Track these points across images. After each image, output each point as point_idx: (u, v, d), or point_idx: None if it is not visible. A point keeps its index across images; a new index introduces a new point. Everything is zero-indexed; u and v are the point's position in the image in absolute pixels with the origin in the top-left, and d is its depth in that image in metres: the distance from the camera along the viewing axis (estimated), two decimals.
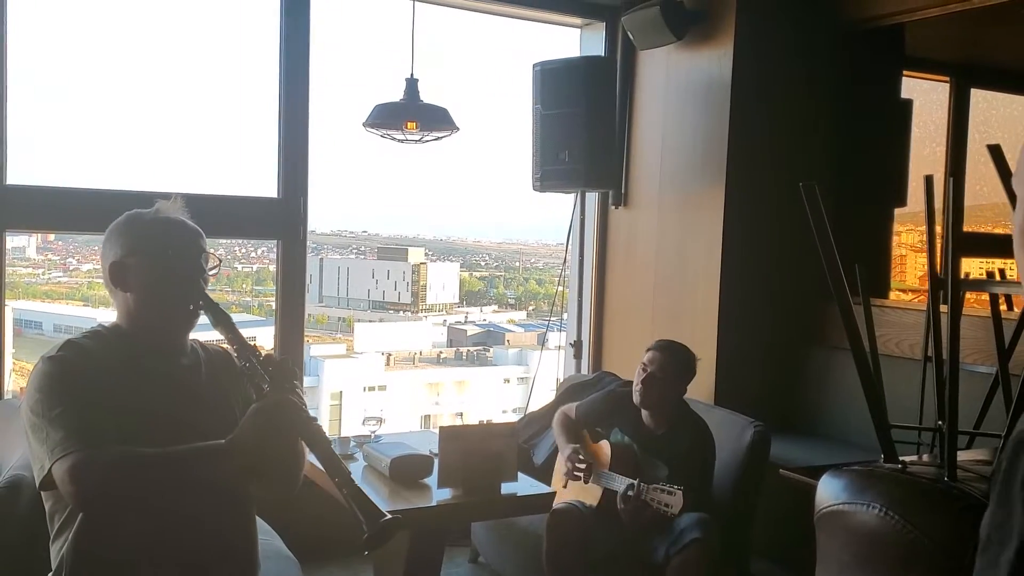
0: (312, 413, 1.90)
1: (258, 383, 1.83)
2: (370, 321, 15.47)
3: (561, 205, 4.56)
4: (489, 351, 15.03)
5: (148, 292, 1.88)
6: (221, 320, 1.88)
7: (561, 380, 4.38)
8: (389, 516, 1.74)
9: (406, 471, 2.98)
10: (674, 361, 3.12)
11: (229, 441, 1.76)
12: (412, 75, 3.41)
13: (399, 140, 3.36)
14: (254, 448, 1.77)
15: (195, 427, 1.82)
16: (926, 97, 4.43)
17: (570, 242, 4.51)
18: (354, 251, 16.36)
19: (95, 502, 1.69)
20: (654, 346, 3.19)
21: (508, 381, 13.77)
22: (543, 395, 4.41)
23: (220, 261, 1.97)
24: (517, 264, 17.29)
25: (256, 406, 1.80)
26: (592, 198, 4.46)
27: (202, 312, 1.91)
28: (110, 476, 1.67)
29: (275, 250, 3.78)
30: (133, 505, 1.72)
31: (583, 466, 3.11)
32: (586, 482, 3.12)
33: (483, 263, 17.34)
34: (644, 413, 3.16)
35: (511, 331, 15.36)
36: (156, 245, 1.88)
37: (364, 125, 3.36)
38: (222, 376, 1.97)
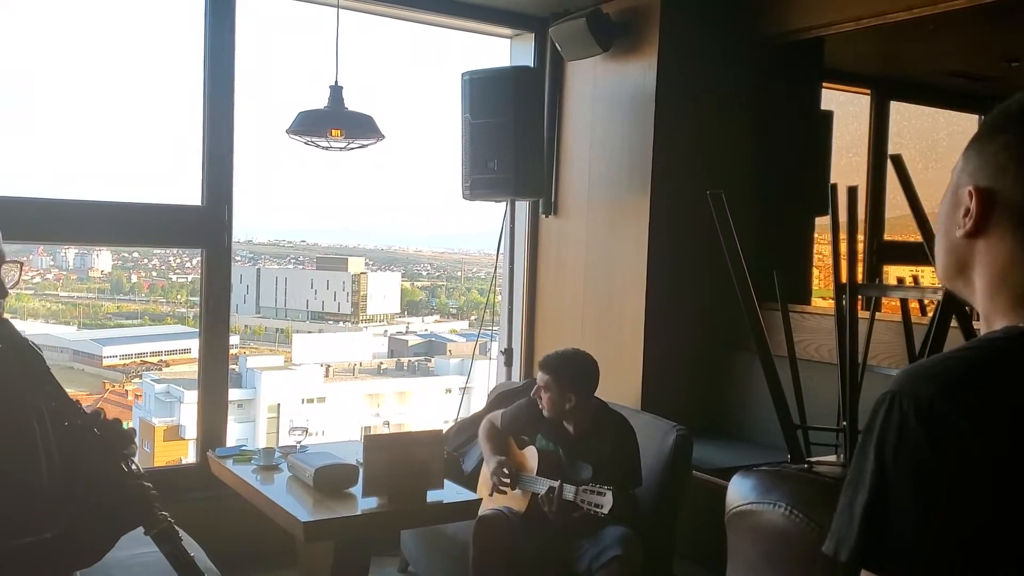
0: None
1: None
2: (309, 332, 15.29)
3: (500, 215, 4.58)
4: (431, 361, 14.98)
5: None
6: (42, 376, 1.44)
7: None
8: None
9: (331, 481, 2.97)
10: (561, 378, 3.11)
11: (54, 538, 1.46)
12: (336, 82, 3.40)
13: (323, 147, 3.33)
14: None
15: None
16: (845, 109, 4.56)
17: (501, 251, 4.53)
18: (292, 261, 16.17)
19: None
20: (541, 365, 3.18)
21: (450, 391, 13.73)
22: (479, 403, 4.41)
23: (22, 264, 1.54)
24: (459, 274, 17.29)
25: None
26: (523, 207, 4.48)
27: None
28: None
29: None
30: None
31: (507, 480, 3.13)
32: (513, 489, 3.14)
33: (425, 273, 17.29)
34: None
35: (453, 341, 15.34)
36: None
37: (287, 132, 3.33)
38: (20, 385, 1.51)
